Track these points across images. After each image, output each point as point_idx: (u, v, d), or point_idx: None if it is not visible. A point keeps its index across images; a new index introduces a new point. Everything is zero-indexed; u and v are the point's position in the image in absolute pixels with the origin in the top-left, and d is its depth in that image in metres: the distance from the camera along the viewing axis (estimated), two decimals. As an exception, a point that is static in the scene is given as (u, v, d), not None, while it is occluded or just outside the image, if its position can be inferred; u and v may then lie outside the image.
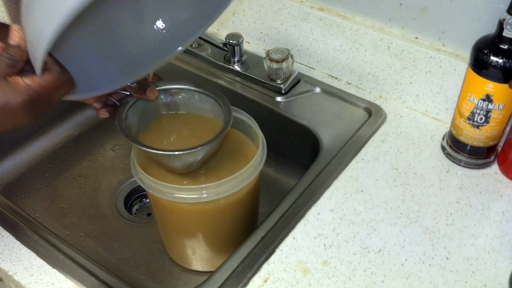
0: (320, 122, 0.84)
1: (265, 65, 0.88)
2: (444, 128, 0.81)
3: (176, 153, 0.62)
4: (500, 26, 0.64)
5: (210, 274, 0.63)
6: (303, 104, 0.87)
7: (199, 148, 0.62)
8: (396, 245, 0.65)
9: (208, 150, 0.65)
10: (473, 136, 0.72)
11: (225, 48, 0.91)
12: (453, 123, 0.75)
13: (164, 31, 0.67)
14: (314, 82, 0.91)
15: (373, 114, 0.84)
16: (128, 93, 0.67)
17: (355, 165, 0.76)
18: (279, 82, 0.89)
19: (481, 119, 0.70)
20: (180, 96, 0.71)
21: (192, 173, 0.70)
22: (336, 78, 0.92)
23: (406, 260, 0.64)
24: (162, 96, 0.70)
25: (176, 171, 0.68)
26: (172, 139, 0.70)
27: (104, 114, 0.66)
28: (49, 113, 0.98)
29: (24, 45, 0.49)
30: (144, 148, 0.62)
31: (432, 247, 0.65)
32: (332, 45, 0.88)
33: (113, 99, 0.67)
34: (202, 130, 0.70)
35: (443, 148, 0.78)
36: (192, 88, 0.71)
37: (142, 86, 0.66)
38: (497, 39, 0.65)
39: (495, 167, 0.75)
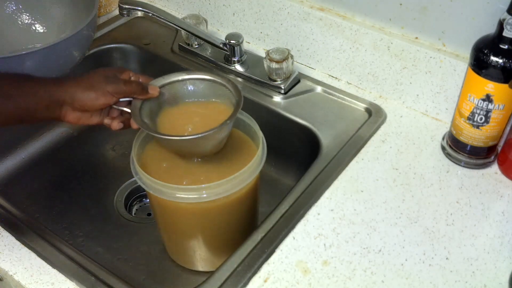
0: (320, 122, 0.84)
1: (265, 65, 0.88)
2: (444, 128, 0.81)
3: (212, 132, 0.63)
4: (500, 26, 0.64)
5: (210, 274, 0.63)
6: (303, 104, 0.87)
7: (228, 122, 0.64)
8: (396, 245, 0.65)
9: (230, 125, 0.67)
10: (473, 136, 0.72)
11: (225, 48, 0.91)
12: (453, 123, 0.75)
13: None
14: (314, 82, 0.91)
15: (373, 114, 0.84)
16: (129, 99, 0.68)
17: (355, 165, 0.76)
18: (279, 82, 0.89)
19: (481, 119, 0.70)
20: (180, 88, 0.72)
21: (192, 173, 0.70)
22: (336, 78, 0.92)
23: (406, 260, 0.64)
24: (165, 92, 0.71)
25: (204, 154, 0.69)
26: (190, 129, 0.70)
27: (118, 125, 0.68)
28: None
29: None
30: (191, 136, 0.63)
31: (432, 247, 0.65)
32: (332, 45, 0.88)
33: (118, 108, 0.68)
34: (210, 115, 0.71)
35: (443, 148, 0.78)
36: (194, 76, 0.72)
37: (143, 87, 0.67)
38: (497, 39, 0.65)
39: (495, 167, 0.75)
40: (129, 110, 0.67)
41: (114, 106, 0.67)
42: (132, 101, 0.67)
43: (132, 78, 0.69)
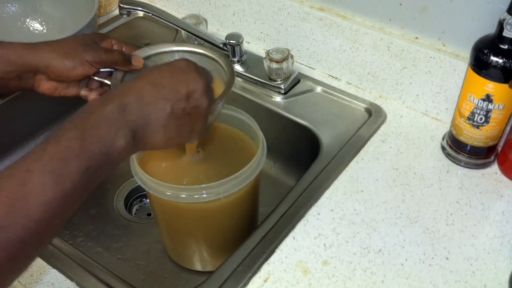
0: (320, 122, 0.84)
1: (265, 65, 0.88)
2: (444, 128, 0.81)
3: None
4: (500, 26, 0.64)
5: (210, 274, 0.64)
6: (303, 104, 0.87)
7: (219, 102, 0.59)
8: (396, 245, 0.65)
9: (223, 103, 0.61)
10: (473, 136, 0.72)
11: (225, 48, 0.91)
12: (453, 123, 0.75)
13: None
14: (314, 82, 0.91)
15: (373, 114, 0.84)
16: (111, 70, 0.63)
17: (355, 165, 0.76)
18: (279, 82, 0.89)
19: (481, 119, 0.70)
20: (167, 60, 0.65)
21: (192, 173, 0.70)
22: (336, 78, 0.92)
23: (406, 260, 0.64)
24: (150, 64, 0.65)
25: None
26: None
27: (96, 98, 0.62)
28: (48, 112, 0.99)
29: None
30: None
31: (432, 247, 0.65)
32: (332, 45, 0.88)
33: (98, 79, 0.63)
34: None
35: (443, 148, 0.78)
36: (183, 49, 0.66)
37: (126, 58, 0.62)
38: (497, 39, 0.65)
39: (495, 167, 0.75)
40: (109, 82, 0.62)
41: (93, 77, 0.62)
42: (113, 73, 0.62)
43: (115, 47, 0.64)
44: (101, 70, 0.62)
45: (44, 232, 0.43)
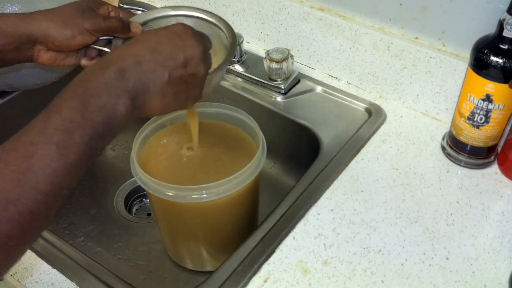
0: (320, 122, 0.84)
1: (265, 65, 0.88)
2: (444, 128, 0.81)
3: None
4: (500, 26, 0.64)
5: (210, 274, 0.64)
6: (303, 104, 0.87)
7: (223, 67, 0.58)
8: (396, 245, 0.65)
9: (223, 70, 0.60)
10: (473, 136, 0.72)
11: (225, 48, 0.91)
12: (453, 123, 0.75)
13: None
14: (314, 82, 0.91)
15: (373, 114, 0.84)
16: (110, 37, 0.62)
17: (355, 165, 0.76)
18: (279, 82, 0.89)
19: (481, 119, 0.70)
20: (164, 26, 0.62)
21: (192, 172, 0.70)
22: (336, 78, 0.92)
23: (406, 260, 0.64)
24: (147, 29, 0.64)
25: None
26: None
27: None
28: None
29: None
30: None
31: (432, 247, 0.65)
32: (332, 45, 0.88)
33: (97, 47, 0.62)
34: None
35: (443, 148, 0.78)
36: (181, 13, 0.65)
37: (124, 24, 0.61)
38: (497, 39, 0.65)
39: (495, 167, 0.75)
40: (108, 50, 0.61)
41: (92, 46, 0.61)
42: (112, 40, 0.61)
43: (112, 13, 0.62)
44: (100, 38, 0.61)
45: (52, 203, 0.43)
